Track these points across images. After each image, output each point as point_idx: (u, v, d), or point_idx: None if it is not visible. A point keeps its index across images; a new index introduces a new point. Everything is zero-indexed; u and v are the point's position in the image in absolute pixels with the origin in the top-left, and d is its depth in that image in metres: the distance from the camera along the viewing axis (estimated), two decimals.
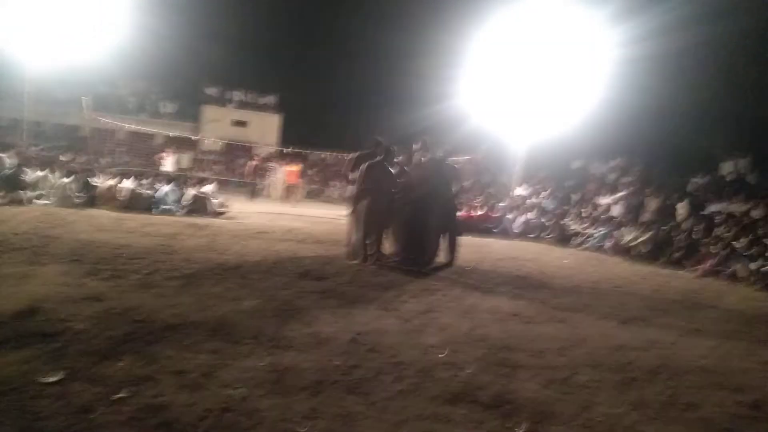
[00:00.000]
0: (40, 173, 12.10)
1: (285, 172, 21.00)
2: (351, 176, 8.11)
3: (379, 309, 5.22)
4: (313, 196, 23.82)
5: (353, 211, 7.92)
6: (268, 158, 26.05)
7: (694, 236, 11.57)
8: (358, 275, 6.79)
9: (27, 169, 12.50)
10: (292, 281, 6.06)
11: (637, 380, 3.89)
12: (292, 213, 15.75)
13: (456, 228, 8.80)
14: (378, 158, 7.82)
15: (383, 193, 7.71)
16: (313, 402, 2.96)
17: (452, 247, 8.55)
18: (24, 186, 11.49)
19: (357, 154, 8.35)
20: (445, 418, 2.93)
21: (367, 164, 7.73)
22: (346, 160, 8.42)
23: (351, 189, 8.14)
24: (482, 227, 14.40)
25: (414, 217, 7.94)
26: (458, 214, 9.38)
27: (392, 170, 7.95)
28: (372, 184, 7.63)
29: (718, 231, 11.39)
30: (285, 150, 27.83)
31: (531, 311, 5.79)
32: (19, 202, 10.84)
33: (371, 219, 7.63)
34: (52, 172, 12.48)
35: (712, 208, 13.33)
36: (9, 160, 13.27)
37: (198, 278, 5.71)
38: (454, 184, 8.65)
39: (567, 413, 3.17)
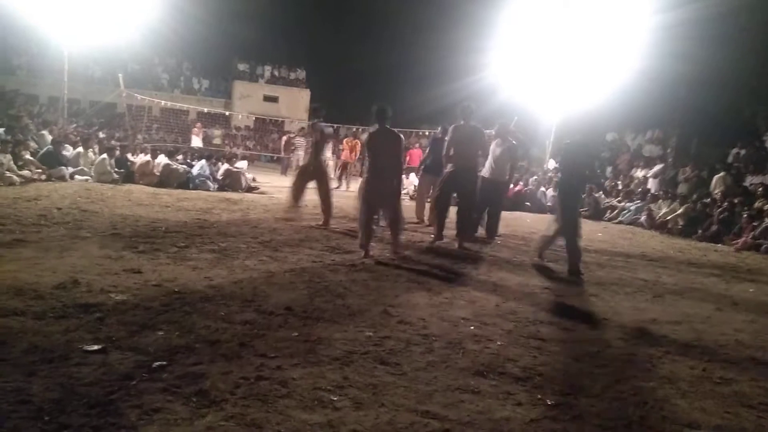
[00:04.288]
0: (79, 150, 12.40)
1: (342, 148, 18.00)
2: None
3: (409, 282, 5.26)
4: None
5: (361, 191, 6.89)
6: (298, 133, 26.04)
7: (733, 209, 11.28)
8: (387, 249, 6.82)
9: (66, 146, 12.83)
10: (323, 254, 6.14)
11: (669, 354, 3.85)
12: None
13: (500, 203, 8.66)
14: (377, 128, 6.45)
15: (389, 169, 6.42)
16: (345, 371, 3.02)
17: (494, 223, 8.48)
18: (63, 162, 11.80)
19: (372, 130, 6.69)
20: (475, 389, 2.96)
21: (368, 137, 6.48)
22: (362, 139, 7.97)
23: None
24: (514, 201, 14.26)
25: (443, 193, 7.75)
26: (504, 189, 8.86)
27: (394, 141, 6.45)
28: (376, 160, 6.42)
29: (759, 204, 11.08)
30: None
31: (562, 285, 5.75)
32: (59, 178, 11.15)
33: (373, 199, 6.46)
34: (90, 148, 12.79)
35: (752, 180, 12.96)
36: (49, 136, 13.65)
37: (232, 251, 5.82)
38: (512, 157, 8.40)
39: (597, 386, 3.17)
